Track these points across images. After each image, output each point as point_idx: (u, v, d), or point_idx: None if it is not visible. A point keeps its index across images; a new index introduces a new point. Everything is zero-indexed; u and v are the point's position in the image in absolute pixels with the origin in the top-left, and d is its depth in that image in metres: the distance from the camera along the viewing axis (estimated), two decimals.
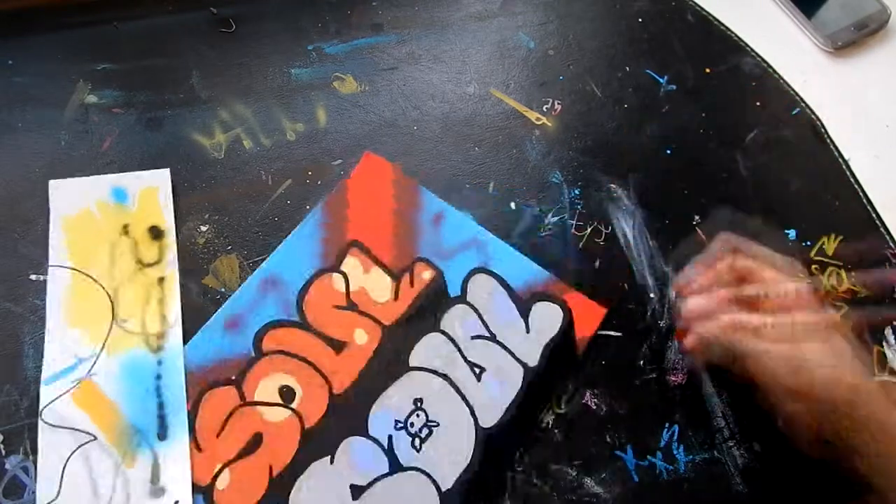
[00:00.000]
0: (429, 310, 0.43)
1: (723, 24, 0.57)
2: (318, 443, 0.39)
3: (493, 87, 0.53)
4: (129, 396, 0.40)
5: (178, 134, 0.49)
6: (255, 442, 0.39)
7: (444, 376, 0.41)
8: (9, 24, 0.51)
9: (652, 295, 0.46)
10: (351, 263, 0.44)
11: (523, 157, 0.51)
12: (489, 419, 0.40)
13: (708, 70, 0.55)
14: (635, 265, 0.47)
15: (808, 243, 0.49)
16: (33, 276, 0.43)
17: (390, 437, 0.39)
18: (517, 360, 0.42)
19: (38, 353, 0.41)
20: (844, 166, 0.52)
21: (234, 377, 0.41)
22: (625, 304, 0.46)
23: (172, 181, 0.46)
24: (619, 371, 0.44)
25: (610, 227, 0.49)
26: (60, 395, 0.39)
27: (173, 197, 0.46)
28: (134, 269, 0.43)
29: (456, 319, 0.43)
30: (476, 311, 0.43)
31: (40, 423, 0.39)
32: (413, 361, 0.42)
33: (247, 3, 0.54)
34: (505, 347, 0.42)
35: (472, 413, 0.40)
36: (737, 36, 0.57)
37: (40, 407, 0.39)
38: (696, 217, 0.49)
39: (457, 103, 0.52)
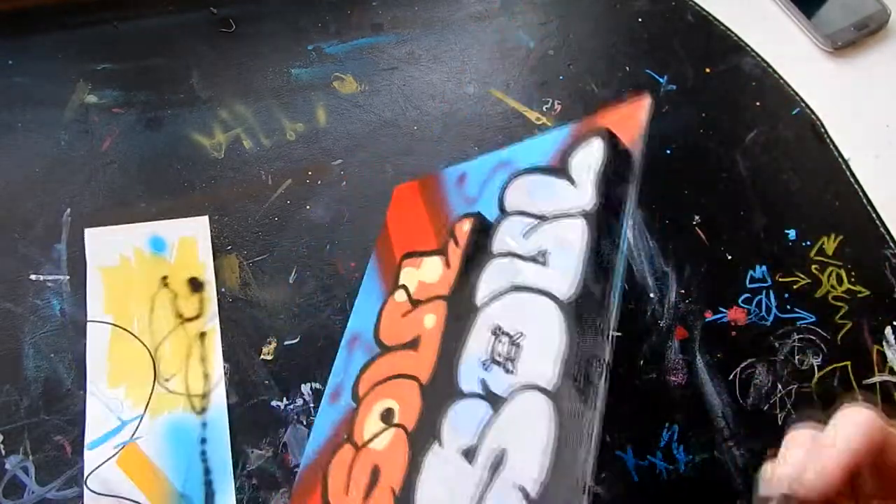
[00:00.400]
0: (477, 248, 0.40)
1: (723, 24, 0.57)
2: (423, 437, 0.37)
3: (493, 87, 0.53)
4: (175, 461, 0.40)
5: (178, 134, 0.49)
6: (374, 477, 0.38)
7: (512, 288, 0.37)
8: (9, 24, 0.51)
9: (652, 295, 0.46)
10: (406, 273, 0.43)
11: None
12: (571, 288, 0.35)
13: (708, 70, 0.55)
14: (635, 265, 0.47)
15: (808, 243, 0.49)
16: (33, 276, 0.43)
17: (482, 381, 0.36)
18: (573, 215, 0.37)
19: (38, 353, 0.41)
20: (844, 166, 0.52)
21: (345, 435, 0.40)
22: (625, 304, 0.46)
23: (173, 181, 0.47)
24: (619, 371, 0.44)
25: None
26: (105, 461, 0.39)
27: (173, 197, 0.46)
28: (174, 324, 0.43)
29: (503, 234, 0.39)
30: (519, 212, 0.40)
31: (86, 491, 0.38)
32: (480, 301, 0.38)
33: (247, 3, 0.54)
34: (558, 216, 0.38)
35: (551, 296, 0.35)
36: (737, 36, 0.57)
37: (85, 473, 0.39)
38: (696, 217, 0.49)
39: (457, 103, 0.52)
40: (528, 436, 0.32)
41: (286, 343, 0.44)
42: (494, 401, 0.35)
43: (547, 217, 0.38)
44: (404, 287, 0.43)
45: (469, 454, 0.34)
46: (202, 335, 0.43)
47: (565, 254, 0.36)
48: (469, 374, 0.37)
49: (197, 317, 0.43)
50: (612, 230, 0.35)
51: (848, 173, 0.52)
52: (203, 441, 0.40)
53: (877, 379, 0.45)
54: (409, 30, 0.55)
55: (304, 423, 0.42)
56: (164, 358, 0.42)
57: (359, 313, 0.44)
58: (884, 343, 0.46)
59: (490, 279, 0.39)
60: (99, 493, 0.38)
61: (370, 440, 0.39)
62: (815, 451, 0.29)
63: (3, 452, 0.39)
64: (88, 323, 0.42)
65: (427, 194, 0.46)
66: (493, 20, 0.56)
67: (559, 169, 0.39)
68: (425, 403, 0.38)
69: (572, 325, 0.34)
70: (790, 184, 0.51)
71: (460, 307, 0.39)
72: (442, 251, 0.42)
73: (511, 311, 0.37)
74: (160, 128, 0.49)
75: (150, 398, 0.41)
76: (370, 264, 0.46)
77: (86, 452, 0.39)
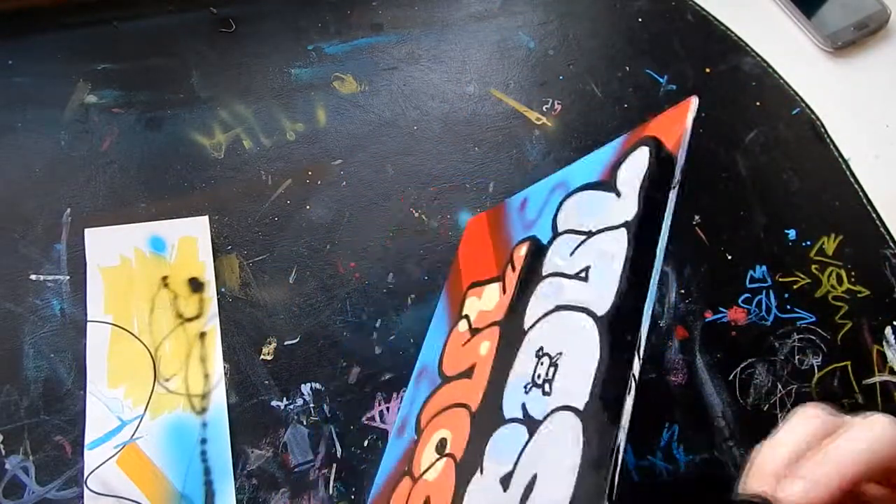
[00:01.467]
0: (530, 272, 0.39)
1: (723, 24, 0.57)
2: (468, 466, 0.36)
3: (493, 87, 0.53)
4: (175, 462, 0.39)
5: (178, 134, 0.49)
6: None
7: (556, 308, 0.36)
8: (9, 24, 0.51)
9: None
10: (469, 303, 0.43)
11: (523, 157, 0.51)
12: (607, 302, 0.33)
13: (708, 70, 0.55)
14: None
15: (808, 243, 0.49)
16: (33, 276, 0.43)
17: (523, 405, 0.34)
18: (616, 227, 0.35)
19: (38, 353, 0.41)
20: (844, 166, 0.52)
21: (406, 468, 0.39)
22: None
23: (173, 181, 0.47)
24: None
25: None
26: (105, 461, 0.39)
27: (173, 197, 0.46)
28: (174, 324, 0.43)
29: (554, 255, 0.38)
30: (569, 231, 0.38)
31: (86, 491, 0.38)
32: (528, 324, 0.37)
33: (247, 3, 0.54)
34: (602, 230, 0.36)
35: (590, 311, 0.33)
36: (737, 36, 0.57)
37: (85, 473, 0.39)
38: (696, 217, 0.49)
39: (457, 103, 0.52)
40: (556, 457, 0.31)
41: (286, 343, 0.44)
42: (531, 424, 0.33)
43: (592, 232, 0.36)
44: (466, 317, 0.42)
45: (505, 481, 0.33)
46: (202, 335, 0.43)
47: (606, 267, 0.34)
48: (512, 400, 0.35)
49: (197, 317, 0.43)
50: (649, 239, 0.33)
51: (848, 173, 0.52)
52: (203, 441, 0.40)
53: (877, 379, 0.45)
54: (409, 30, 0.55)
55: (305, 423, 0.42)
56: (164, 358, 0.42)
57: (428, 346, 0.44)
58: (884, 343, 0.46)
59: (538, 301, 0.38)
60: (99, 493, 0.38)
61: (425, 471, 0.38)
62: (813, 460, 0.29)
63: (3, 452, 0.39)
64: (88, 323, 0.42)
65: (493, 224, 0.45)
66: (493, 20, 0.56)
67: (607, 183, 0.37)
68: (473, 431, 0.37)
69: (605, 340, 0.32)
70: (790, 184, 0.51)
71: (511, 332, 0.38)
72: (500, 277, 0.41)
73: (553, 332, 0.35)
74: (160, 128, 0.49)
75: (150, 398, 0.41)
76: (441, 297, 0.46)
77: (86, 452, 0.39)
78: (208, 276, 0.44)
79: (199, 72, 0.51)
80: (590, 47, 0.55)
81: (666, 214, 0.33)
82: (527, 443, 0.33)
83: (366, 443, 0.42)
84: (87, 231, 0.44)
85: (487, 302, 0.41)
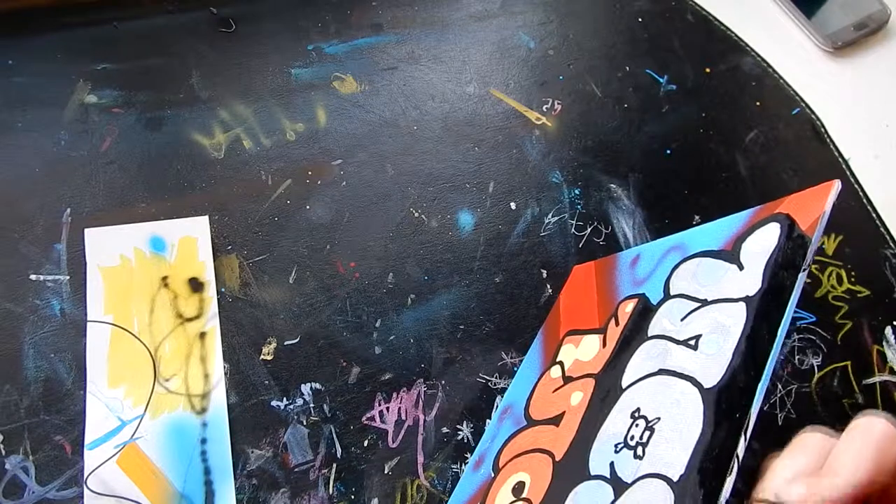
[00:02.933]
0: (635, 330, 0.38)
1: (723, 24, 0.57)
2: None
3: (493, 87, 0.53)
4: (175, 462, 0.39)
5: (178, 134, 0.49)
6: None
7: (658, 372, 0.35)
8: (9, 24, 0.51)
9: None
10: (565, 350, 0.43)
11: (523, 157, 0.51)
12: (715, 376, 0.32)
13: (708, 70, 0.55)
14: None
15: None
16: (33, 276, 0.43)
17: (611, 464, 0.34)
18: (735, 300, 0.34)
19: (38, 353, 0.41)
20: (844, 166, 0.52)
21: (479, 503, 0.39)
22: None
23: (173, 181, 0.46)
24: None
25: (610, 227, 0.49)
26: (105, 461, 0.39)
27: (173, 197, 0.46)
28: (174, 324, 0.42)
29: (663, 317, 0.37)
30: (682, 296, 0.37)
31: (86, 491, 0.38)
32: (626, 382, 0.36)
33: (247, 3, 0.54)
34: (720, 301, 0.35)
35: (695, 382, 0.32)
36: (737, 36, 0.57)
37: (85, 473, 0.39)
38: (696, 217, 0.49)
39: (457, 103, 0.52)
40: None
41: (286, 343, 0.44)
42: (618, 486, 0.33)
43: (708, 301, 0.36)
44: (560, 363, 0.42)
45: None
46: (202, 335, 0.43)
47: (719, 339, 0.33)
48: (601, 456, 0.35)
49: (197, 317, 0.43)
50: (771, 318, 0.32)
51: (848, 173, 0.52)
52: (203, 441, 0.40)
53: (877, 379, 0.45)
54: (409, 30, 0.55)
55: (305, 423, 0.42)
56: (164, 358, 0.42)
57: (517, 386, 0.44)
58: (884, 343, 0.46)
59: (640, 361, 0.37)
60: (99, 493, 0.38)
61: None
62: (815, 479, 0.28)
63: (3, 452, 0.39)
64: (88, 323, 0.42)
65: (601, 274, 0.45)
66: (493, 20, 0.56)
67: (729, 253, 0.36)
68: (555, 481, 0.36)
69: (710, 414, 0.31)
70: (790, 184, 0.51)
71: (607, 387, 0.37)
72: (602, 330, 0.41)
73: (652, 395, 0.35)
74: (160, 128, 0.49)
75: (150, 398, 0.41)
76: (536, 339, 0.46)
77: (86, 452, 0.39)
78: (208, 276, 0.44)
79: (199, 72, 0.51)
80: (590, 47, 0.55)
81: (792, 296, 0.32)
82: (611, 503, 0.32)
83: (366, 443, 0.42)
84: (87, 231, 0.44)
85: (585, 352, 0.41)
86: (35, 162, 0.46)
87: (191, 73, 0.51)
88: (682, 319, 0.36)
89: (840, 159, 0.52)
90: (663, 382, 0.34)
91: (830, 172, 0.52)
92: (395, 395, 0.43)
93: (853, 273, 0.48)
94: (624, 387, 0.36)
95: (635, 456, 0.33)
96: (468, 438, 0.43)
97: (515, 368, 0.45)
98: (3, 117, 0.48)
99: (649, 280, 0.40)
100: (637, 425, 0.34)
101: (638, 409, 0.34)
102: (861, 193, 0.51)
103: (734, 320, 0.33)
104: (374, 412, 0.43)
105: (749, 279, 0.34)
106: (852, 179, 0.51)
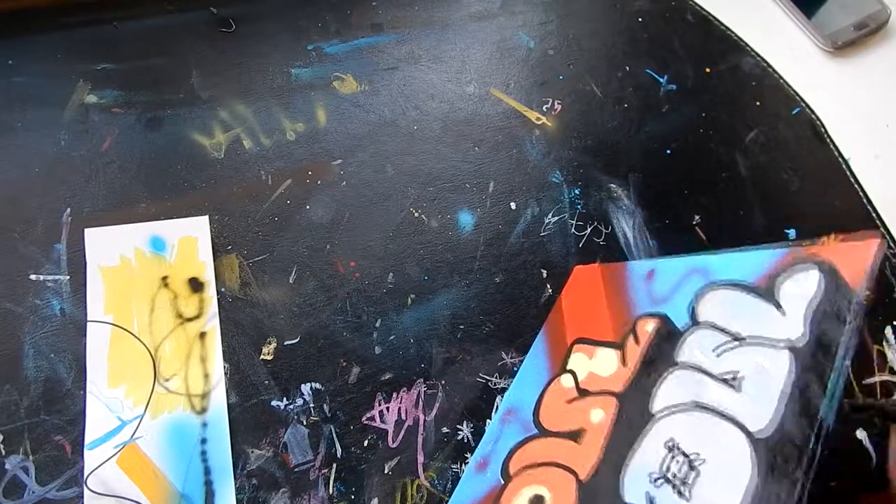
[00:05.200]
0: (660, 353, 0.38)
1: (723, 24, 0.57)
2: None
3: (493, 87, 0.53)
4: (175, 461, 0.39)
5: (178, 134, 0.49)
6: None
7: (694, 405, 0.35)
8: (9, 24, 0.51)
9: None
10: (576, 359, 0.42)
11: (523, 157, 0.51)
12: (763, 421, 0.32)
13: (708, 70, 0.55)
14: None
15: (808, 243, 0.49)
16: (33, 276, 0.43)
17: (650, 497, 0.34)
18: (779, 346, 0.34)
19: (38, 353, 0.41)
20: (844, 166, 0.52)
21: None
22: None
23: (173, 181, 0.46)
24: None
25: (610, 227, 0.49)
26: (105, 461, 0.39)
27: (173, 197, 0.46)
28: (174, 324, 0.43)
29: (692, 346, 0.37)
30: (713, 326, 0.37)
31: (86, 491, 0.38)
32: (656, 409, 0.36)
33: (247, 3, 0.54)
34: (759, 341, 0.35)
35: (740, 426, 0.33)
36: (737, 36, 0.57)
37: (85, 473, 0.39)
38: (696, 217, 0.49)
39: (457, 103, 0.52)
40: None
41: (286, 343, 0.44)
42: None
43: (744, 339, 0.36)
44: (572, 373, 0.42)
45: None
46: (202, 335, 0.43)
47: (763, 384, 0.33)
48: (635, 486, 0.34)
49: (197, 317, 0.43)
50: (822, 373, 0.32)
51: (848, 173, 0.52)
52: (203, 441, 0.40)
53: (877, 379, 0.45)
54: (409, 30, 0.55)
55: (305, 422, 0.42)
56: (164, 358, 0.42)
57: (519, 387, 0.44)
58: (884, 343, 0.46)
59: (671, 390, 0.37)
60: (99, 493, 0.38)
61: None
62: None
63: (3, 452, 0.39)
64: (88, 323, 0.42)
65: (610, 282, 0.45)
66: (493, 20, 0.56)
67: (765, 291, 0.36)
68: (581, 501, 0.36)
69: (763, 464, 0.31)
70: (790, 184, 0.51)
71: (633, 410, 0.37)
72: (619, 345, 0.41)
73: (691, 430, 0.34)
74: (160, 128, 0.49)
75: (150, 398, 0.41)
76: (537, 339, 0.45)
77: (86, 452, 0.39)
78: (208, 276, 0.44)
79: (199, 72, 0.51)
80: (590, 47, 0.55)
81: (844, 353, 0.32)
82: None
83: (366, 443, 0.42)
84: (87, 231, 0.44)
85: (601, 366, 0.41)
86: (35, 162, 0.46)
87: (191, 73, 0.51)
88: (715, 352, 0.36)
89: (840, 159, 0.52)
90: (701, 418, 0.34)
91: (830, 172, 0.52)
92: (395, 395, 0.43)
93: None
94: (654, 414, 0.36)
95: (679, 494, 0.33)
96: (468, 438, 0.43)
97: (515, 368, 0.45)
98: (3, 117, 0.48)
99: (670, 301, 0.40)
100: (676, 460, 0.34)
101: (674, 442, 0.35)
102: (861, 193, 0.51)
103: (777, 366, 0.33)
104: (374, 412, 0.43)
105: (792, 325, 0.34)
106: (852, 179, 0.51)
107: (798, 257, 0.37)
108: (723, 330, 0.37)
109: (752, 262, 0.38)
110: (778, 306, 0.36)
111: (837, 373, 0.32)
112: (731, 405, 0.34)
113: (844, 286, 0.34)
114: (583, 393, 0.40)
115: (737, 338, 0.36)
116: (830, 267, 0.35)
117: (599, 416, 0.39)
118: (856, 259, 0.35)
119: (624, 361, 0.40)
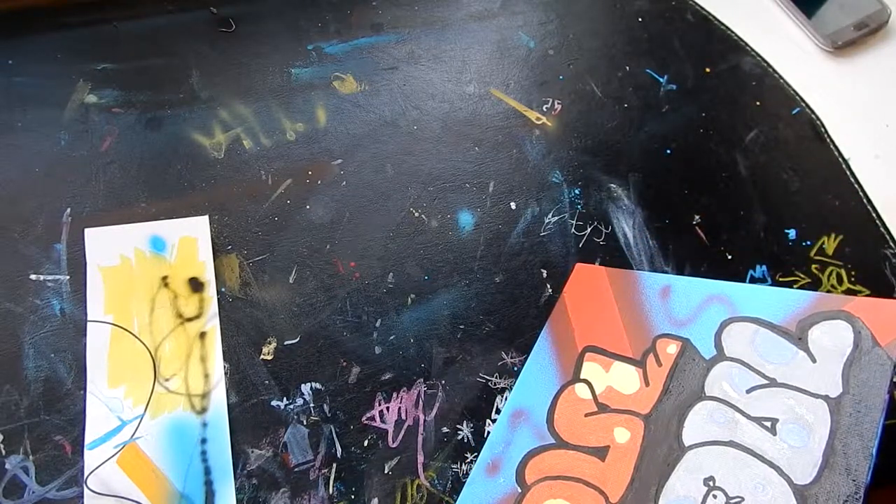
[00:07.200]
0: (687, 381, 0.39)
1: (723, 24, 0.57)
2: None
3: (493, 87, 0.53)
4: (175, 461, 0.39)
5: (178, 134, 0.49)
6: None
7: (730, 443, 0.36)
8: (9, 24, 0.51)
9: None
10: (589, 369, 0.42)
11: (523, 156, 0.51)
12: (805, 473, 0.33)
13: (708, 70, 0.55)
14: (635, 265, 0.47)
15: (808, 243, 0.49)
16: (33, 276, 0.43)
17: None
18: (815, 395, 0.35)
19: (38, 353, 0.41)
20: (844, 166, 0.52)
21: None
22: None
23: (173, 181, 0.47)
24: None
25: (610, 227, 0.49)
26: (105, 461, 0.39)
27: (173, 197, 0.46)
28: (174, 324, 0.42)
29: (721, 380, 0.38)
30: (742, 362, 0.38)
31: (86, 491, 0.38)
32: (688, 440, 0.37)
33: (247, 3, 0.54)
34: (793, 388, 0.36)
35: (782, 472, 0.34)
36: (737, 36, 0.57)
37: (85, 473, 0.39)
38: (697, 217, 0.49)
39: (457, 103, 0.52)
40: None
41: (286, 343, 0.44)
42: None
43: (777, 382, 0.37)
44: (587, 383, 0.42)
45: None
46: (202, 335, 0.43)
47: (802, 433, 0.35)
48: None
49: (197, 317, 0.43)
50: (863, 434, 0.34)
51: (848, 173, 0.52)
52: (203, 441, 0.40)
53: None
54: (409, 30, 0.55)
55: (305, 422, 0.42)
56: (164, 358, 0.42)
57: (527, 388, 0.44)
58: None
59: (701, 421, 0.37)
60: (99, 493, 0.38)
61: None
62: None
63: (3, 452, 0.39)
64: (88, 323, 0.42)
65: (621, 290, 0.45)
66: (493, 20, 0.56)
67: (793, 336, 0.38)
68: None
69: None
70: (790, 184, 0.51)
71: (662, 437, 0.37)
72: (638, 363, 0.41)
73: (728, 468, 0.35)
74: (160, 128, 0.49)
75: (150, 398, 0.41)
76: (540, 339, 0.45)
77: (86, 452, 0.39)
78: (208, 276, 0.44)
79: (199, 72, 0.51)
80: (590, 47, 0.56)
81: (881, 415, 0.33)
82: None
83: (366, 443, 0.42)
84: (87, 231, 0.44)
85: (620, 382, 0.41)
86: (35, 162, 0.46)
87: (191, 73, 0.51)
88: (747, 391, 0.37)
89: (840, 159, 0.52)
90: (739, 458, 0.35)
91: (830, 172, 0.52)
92: (395, 394, 0.43)
93: (853, 273, 0.48)
94: (686, 445, 0.37)
95: None
96: (468, 438, 0.43)
97: (516, 368, 0.45)
98: (3, 117, 0.48)
99: (692, 325, 0.41)
100: (716, 498, 0.35)
101: (712, 479, 0.35)
102: (861, 193, 0.51)
103: (815, 417, 0.35)
104: (374, 412, 0.43)
105: (826, 378, 0.36)
106: (852, 179, 0.51)
107: (827, 308, 0.38)
108: (752, 368, 0.38)
109: (776, 299, 0.39)
110: (810, 354, 0.37)
111: (877, 436, 0.33)
112: (770, 451, 0.35)
113: (878, 350, 0.35)
114: (602, 408, 0.40)
115: (769, 378, 0.37)
116: (861, 324, 0.36)
117: (625, 436, 0.39)
118: (887, 320, 0.36)
119: (647, 382, 0.40)
